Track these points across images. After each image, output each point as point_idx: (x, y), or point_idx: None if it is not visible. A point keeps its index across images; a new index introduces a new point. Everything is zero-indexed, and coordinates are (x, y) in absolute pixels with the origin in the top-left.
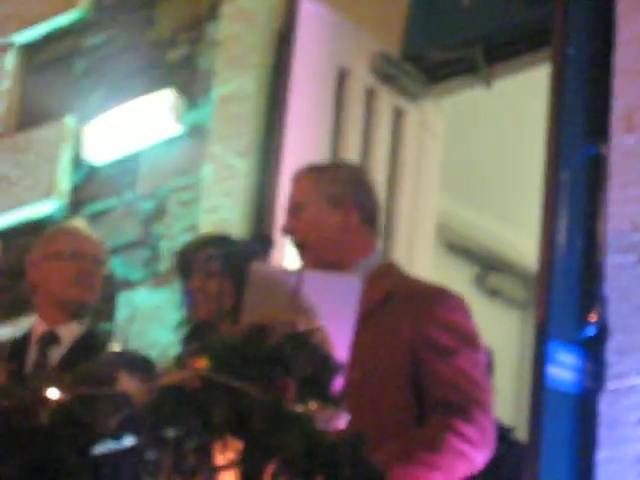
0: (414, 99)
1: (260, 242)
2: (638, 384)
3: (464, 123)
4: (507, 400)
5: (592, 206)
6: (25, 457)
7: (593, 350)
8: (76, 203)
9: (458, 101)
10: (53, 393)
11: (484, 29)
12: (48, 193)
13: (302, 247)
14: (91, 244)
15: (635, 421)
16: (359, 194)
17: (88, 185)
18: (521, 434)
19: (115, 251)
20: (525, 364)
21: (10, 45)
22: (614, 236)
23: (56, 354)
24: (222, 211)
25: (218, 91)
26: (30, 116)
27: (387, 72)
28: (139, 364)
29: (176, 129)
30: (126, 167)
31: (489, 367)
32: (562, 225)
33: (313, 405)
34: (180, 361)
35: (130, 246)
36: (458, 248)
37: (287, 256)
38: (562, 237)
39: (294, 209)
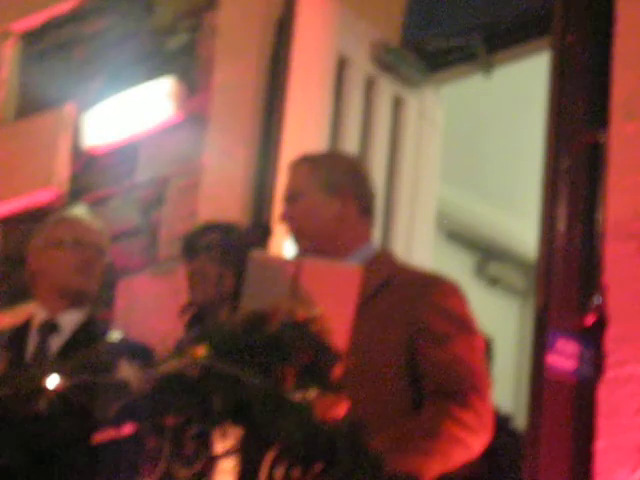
0: (414, 88)
1: (259, 230)
2: (637, 373)
3: (464, 111)
4: (506, 388)
5: (592, 194)
6: (24, 445)
7: (593, 338)
8: (75, 191)
9: (458, 89)
10: (53, 381)
11: (484, 17)
12: (47, 181)
13: (299, 235)
14: (93, 232)
15: (634, 410)
16: (356, 183)
17: (88, 173)
18: (520, 422)
19: (115, 238)
20: (525, 352)
21: (9, 33)
22: (614, 224)
23: (56, 342)
24: (221, 199)
25: (218, 79)
26: (29, 104)
27: (387, 61)
28: (139, 352)
29: (175, 117)
30: (126, 155)
31: (488, 355)
32: (562, 213)
33: (312, 393)
34: (180, 349)
35: (130, 233)
36: (458, 237)
37: (286, 244)
38: (562, 225)
39: (291, 197)
